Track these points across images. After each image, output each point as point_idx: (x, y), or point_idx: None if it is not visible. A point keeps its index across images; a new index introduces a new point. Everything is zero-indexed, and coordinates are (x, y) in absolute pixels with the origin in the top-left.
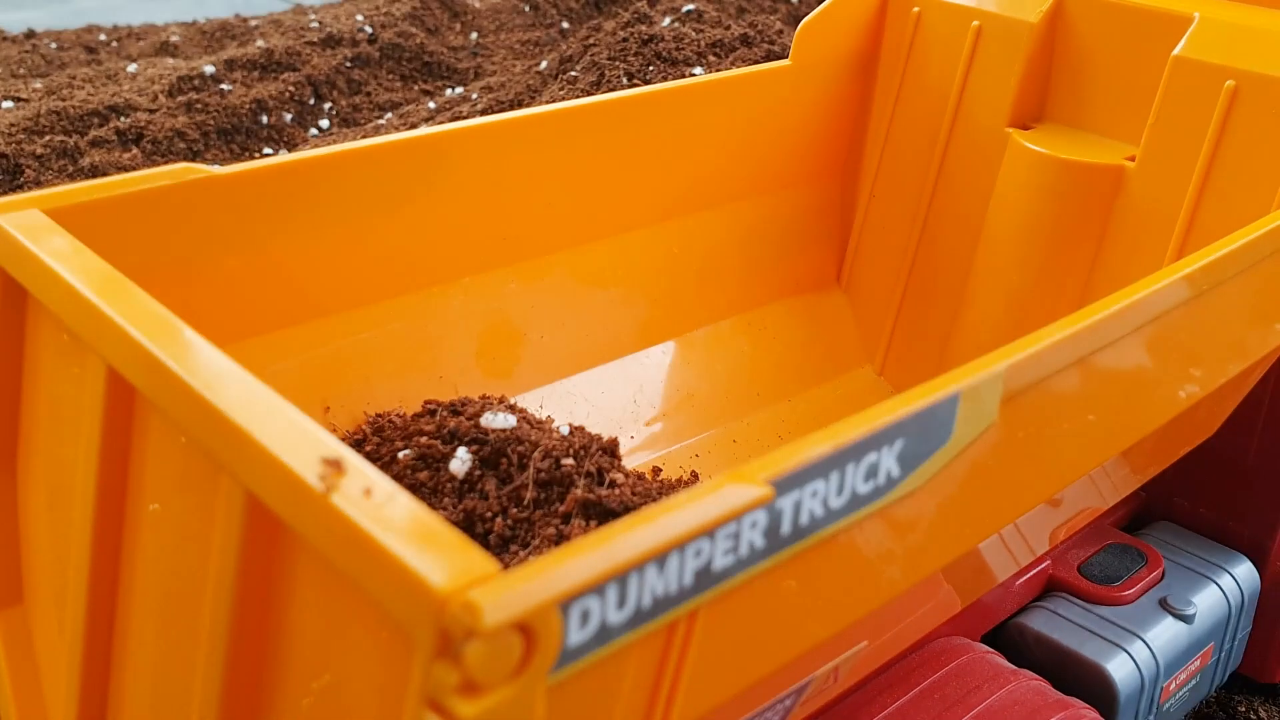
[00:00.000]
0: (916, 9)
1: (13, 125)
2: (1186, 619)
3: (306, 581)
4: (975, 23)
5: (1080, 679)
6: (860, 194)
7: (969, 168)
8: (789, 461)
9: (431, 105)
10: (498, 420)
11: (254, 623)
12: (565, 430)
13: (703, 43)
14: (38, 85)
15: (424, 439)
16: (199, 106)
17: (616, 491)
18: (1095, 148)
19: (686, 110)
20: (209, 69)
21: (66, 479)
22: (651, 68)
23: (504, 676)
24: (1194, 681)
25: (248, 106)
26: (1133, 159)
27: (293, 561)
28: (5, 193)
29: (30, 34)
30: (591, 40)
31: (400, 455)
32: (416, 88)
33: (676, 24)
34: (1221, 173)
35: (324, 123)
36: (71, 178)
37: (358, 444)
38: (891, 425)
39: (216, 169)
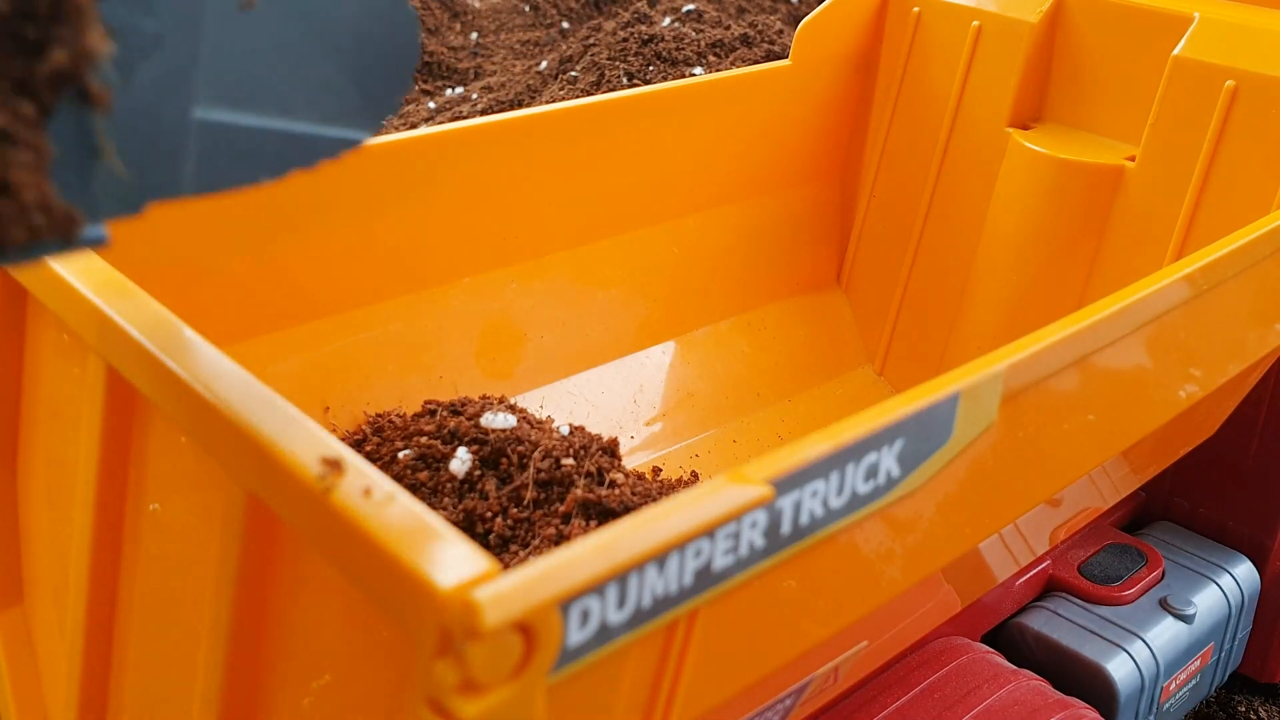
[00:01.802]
0: (916, 9)
1: None
2: (1186, 619)
3: (306, 581)
4: (975, 23)
5: (1080, 679)
6: (860, 194)
7: (969, 168)
8: (789, 461)
9: (431, 105)
10: (498, 420)
11: (254, 622)
12: (565, 430)
13: (703, 43)
14: None
15: (424, 439)
16: None
17: (616, 491)
18: (1095, 148)
19: (687, 111)
20: None
21: (67, 479)
22: (651, 68)
23: (504, 676)
24: (1194, 681)
25: None
26: (1133, 159)
27: (293, 561)
28: None
29: None
30: (591, 40)
31: (400, 455)
32: (416, 87)
33: (677, 24)
34: (1221, 173)
35: None
36: None
37: (358, 444)
38: (891, 425)
39: None
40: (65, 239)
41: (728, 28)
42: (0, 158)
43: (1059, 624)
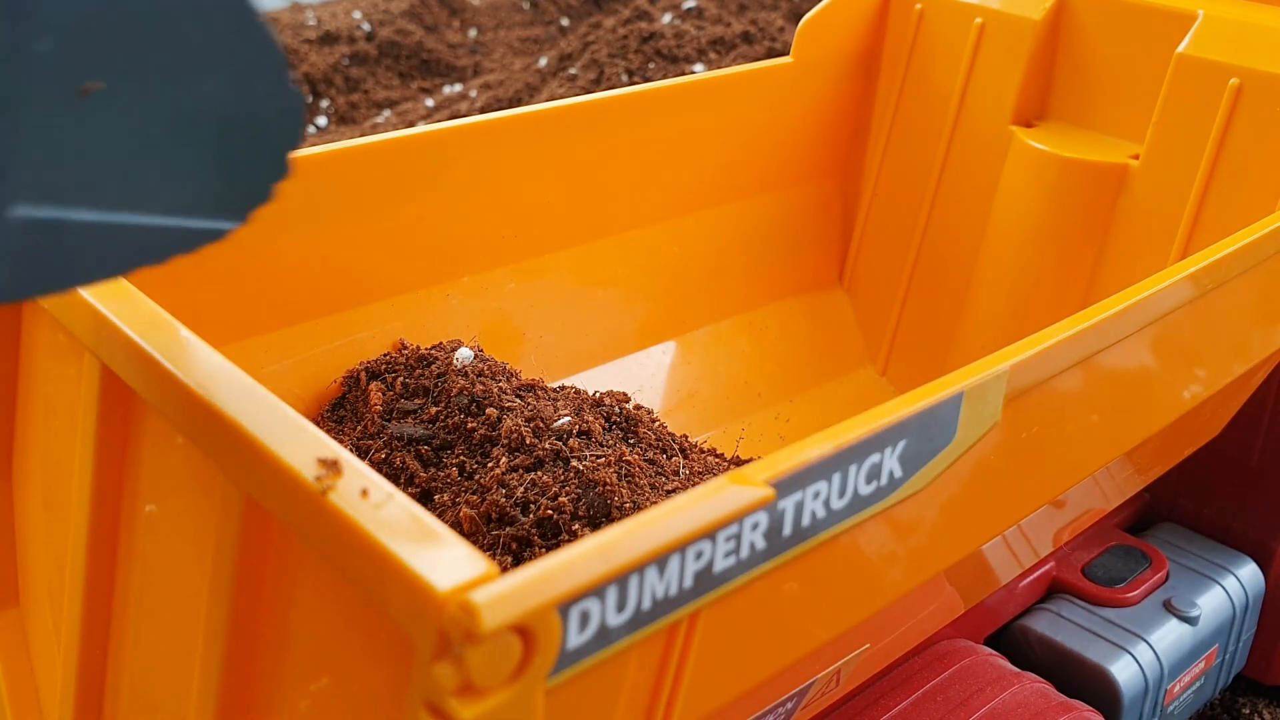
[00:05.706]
0: (919, 6)
1: None
2: (1191, 621)
3: (304, 583)
4: (978, 20)
5: (1084, 681)
6: (863, 192)
7: (972, 166)
8: (790, 462)
9: (429, 103)
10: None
11: (251, 625)
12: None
13: (703, 40)
14: None
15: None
16: None
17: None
18: (1099, 146)
19: (687, 108)
20: None
21: (63, 480)
22: (652, 65)
23: (503, 679)
24: (1198, 684)
25: None
26: (1137, 157)
27: (290, 563)
28: None
29: None
30: (591, 37)
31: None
32: (414, 85)
33: (677, 21)
34: (1226, 171)
35: (321, 121)
36: None
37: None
38: (894, 426)
39: None
40: None
41: (728, 24)
42: None
43: (1062, 626)
